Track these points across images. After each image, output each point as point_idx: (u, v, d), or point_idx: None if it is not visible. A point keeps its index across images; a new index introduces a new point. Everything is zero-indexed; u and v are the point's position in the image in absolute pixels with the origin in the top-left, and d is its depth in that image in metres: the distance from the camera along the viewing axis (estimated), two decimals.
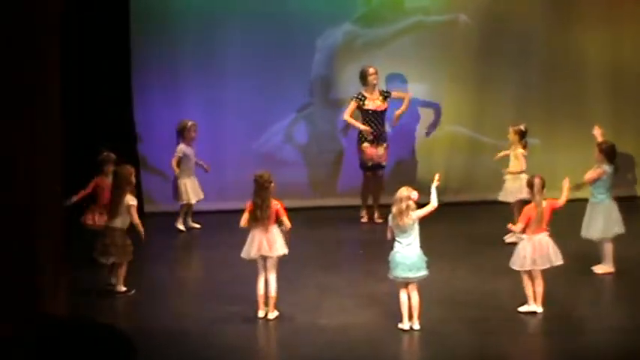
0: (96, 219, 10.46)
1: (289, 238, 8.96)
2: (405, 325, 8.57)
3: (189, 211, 12.34)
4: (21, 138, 7.04)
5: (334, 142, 13.33)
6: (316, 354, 8.26)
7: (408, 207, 8.49)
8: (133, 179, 9.79)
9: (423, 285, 8.67)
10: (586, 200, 10.33)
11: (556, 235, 9.14)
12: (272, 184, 8.89)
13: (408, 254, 8.53)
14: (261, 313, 8.94)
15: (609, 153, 10.19)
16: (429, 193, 8.80)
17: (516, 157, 11.41)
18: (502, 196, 11.54)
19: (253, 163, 11.77)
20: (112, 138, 11.60)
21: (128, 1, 12.69)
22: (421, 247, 8.59)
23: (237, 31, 13.02)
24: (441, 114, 13.48)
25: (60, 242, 7.89)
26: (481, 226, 12.09)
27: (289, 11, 13.12)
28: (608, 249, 10.17)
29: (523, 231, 9.00)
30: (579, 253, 10.27)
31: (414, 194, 8.56)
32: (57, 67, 7.67)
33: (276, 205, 8.91)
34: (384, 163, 12.47)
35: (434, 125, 13.48)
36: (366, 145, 12.39)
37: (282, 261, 8.99)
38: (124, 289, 9.66)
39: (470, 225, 12.17)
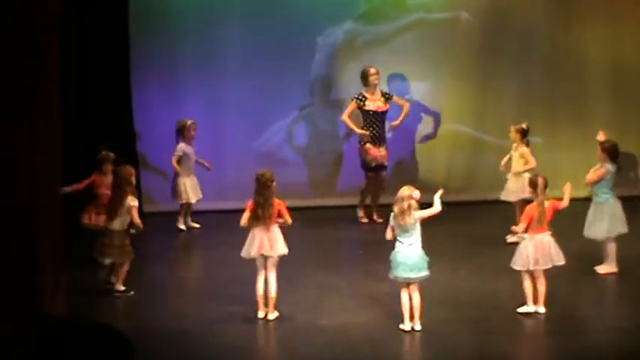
0: (93, 218, 10.50)
1: (285, 231, 9.01)
2: (406, 325, 8.60)
3: (188, 210, 12.39)
4: (21, 138, 7.09)
5: (334, 141, 13.35)
6: (316, 354, 8.30)
7: (410, 206, 8.51)
8: (133, 180, 9.83)
9: (424, 285, 8.69)
10: (587, 200, 10.38)
11: (558, 235, 9.17)
12: (274, 183, 8.94)
13: (409, 254, 8.55)
14: (261, 314, 8.96)
15: (612, 152, 10.23)
16: (430, 193, 8.83)
17: (522, 156, 11.41)
18: (504, 196, 11.54)
19: (253, 163, 11.79)
20: (112, 137, 11.63)
21: (127, 0, 12.74)
22: (422, 247, 8.61)
23: (237, 29, 13.05)
24: (440, 121, 13.50)
25: (59, 242, 7.95)
26: (483, 225, 12.11)
27: (289, 10, 13.13)
28: (612, 249, 10.21)
29: (525, 230, 9.05)
30: (582, 253, 10.31)
31: (416, 193, 8.58)
32: (57, 67, 7.73)
33: (278, 204, 8.96)
34: (386, 164, 12.49)
35: (432, 134, 13.50)
36: (369, 145, 12.41)
37: (282, 261, 9.02)
38: (122, 288, 9.70)
39: (471, 225, 12.20)
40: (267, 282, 8.95)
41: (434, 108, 13.51)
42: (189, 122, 12.20)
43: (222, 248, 11.05)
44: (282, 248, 8.94)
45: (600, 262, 10.25)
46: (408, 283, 8.63)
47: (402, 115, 12.69)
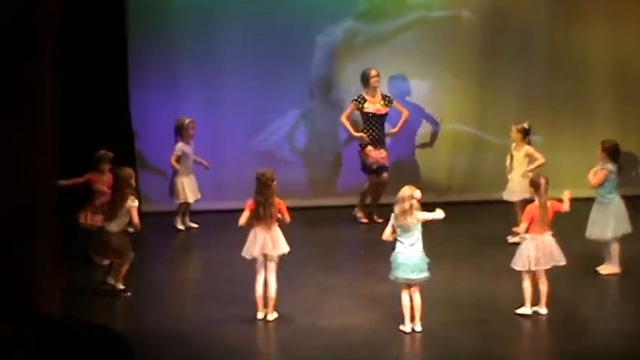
0: (89, 218, 10.51)
1: (285, 231, 9.02)
2: (406, 327, 8.60)
3: (186, 210, 12.40)
4: (19, 137, 7.10)
5: (334, 141, 13.35)
6: (316, 356, 8.29)
7: (411, 206, 8.51)
8: (133, 182, 9.85)
9: (425, 286, 8.69)
10: (588, 200, 10.38)
11: (559, 236, 9.17)
12: (274, 183, 8.94)
13: (410, 255, 8.55)
14: (260, 315, 8.96)
15: (612, 152, 10.23)
16: (431, 193, 8.83)
17: (527, 155, 11.37)
18: (507, 195, 11.55)
19: (252, 162, 11.80)
20: (110, 136, 11.64)
21: None
22: (423, 247, 8.60)
23: (236, 28, 13.03)
24: (440, 127, 13.50)
25: (56, 242, 7.94)
26: (484, 225, 12.13)
27: (289, 8, 13.12)
28: (615, 249, 10.21)
29: (526, 231, 9.06)
30: (583, 254, 10.32)
31: (417, 193, 8.57)
32: (55, 67, 7.73)
33: (279, 203, 8.95)
34: (387, 165, 12.47)
35: (429, 143, 13.51)
36: (369, 148, 12.41)
37: (282, 261, 9.02)
38: (122, 287, 9.70)
39: (472, 225, 12.20)
40: (267, 282, 8.95)
41: (434, 107, 13.50)
42: (187, 121, 12.20)
43: (220, 248, 11.06)
44: (284, 247, 8.95)
45: (602, 262, 10.26)
46: (408, 285, 8.62)
47: (401, 122, 12.69)
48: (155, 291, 10.04)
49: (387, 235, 8.62)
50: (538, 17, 13.49)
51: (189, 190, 12.22)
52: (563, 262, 9.07)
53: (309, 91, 13.37)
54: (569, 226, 9.43)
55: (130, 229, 9.73)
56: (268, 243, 8.90)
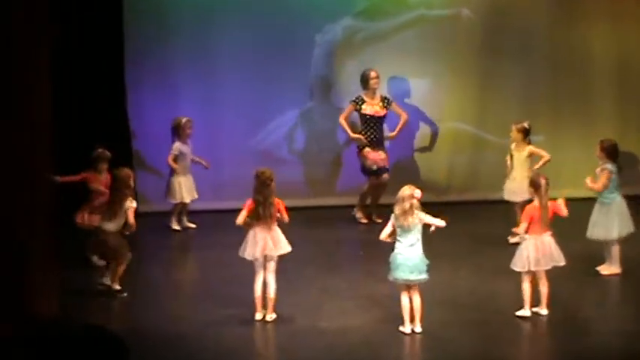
0: (86, 218, 10.50)
1: (284, 231, 9.00)
2: (406, 328, 8.60)
3: (184, 210, 12.38)
4: (14, 137, 7.10)
5: (334, 141, 13.35)
6: (315, 357, 8.29)
7: (412, 206, 8.50)
8: (132, 183, 9.85)
9: (424, 286, 8.68)
10: (588, 200, 10.37)
11: (559, 236, 9.17)
12: (273, 182, 8.92)
13: (409, 255, 8.54)
14: (258, 316, 8.95)
15: (611, 151, 10.23)
16: (431, 192, 8.81)
17: (530, 154, 11.36)
18: (507, 196, 11.51)
19: (251, 162, 11.77)
20: (106, 136, 11.63)
21: None
22: (423, 247, 8.59)
23: (234, 26, 13.03)
24: (439, 131, 13.50)
25: (52, 242, 7.93)
26: (484, 225, 12.13)
27: (287, 6, 13.11)
28: (616, 249, 10.22)
29: (526, 231, 9.05)
30: (584, 254, 10.33)
31: (417, 192, 8.56)
32: (51, 66, 7.73)
33: (277, 203, 8.94)
34: (387, 166, 12.45)
35: (429, 147, 13.50)
36: (367, 150, 12.41)
37: (281, 261, 9.02)
38: (118, 287, 9.69)
39: (472, 224, 12.20)
40: (266, 283, 8.94)
41: (434, 106, 13.50)
42: (184, 120, 12.19)
43: (218, 249, 11.05)
44: (285, 247, 8.95)
45: (602, 262, 10.26)
46: (408, 286, 8.61)
47: (400, 125, 12.68)
48: (152, 292, 10.05)
49: (385, 234, 8.60)
50: (538, 16, 13.49)
51: (185, 190, 12.20)
52: (562, 262, 9.07)
53: (309, 91, 13.36)
54: (569, 226, 9.43)
55: (127, 232, 9.72)
56: (269, 243, 8.89)
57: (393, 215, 8.59)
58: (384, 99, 12.55)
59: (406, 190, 8.57)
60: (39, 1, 7.47)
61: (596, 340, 8.67)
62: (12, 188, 7.17)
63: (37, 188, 7.43)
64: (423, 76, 13.47)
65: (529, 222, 9.01)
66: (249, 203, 8.95)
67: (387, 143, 12.70)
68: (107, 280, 9.74)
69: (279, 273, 9.03)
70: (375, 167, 12.41)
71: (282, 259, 9.02)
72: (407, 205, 8.49)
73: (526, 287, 8.99)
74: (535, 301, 9.04)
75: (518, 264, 9.04)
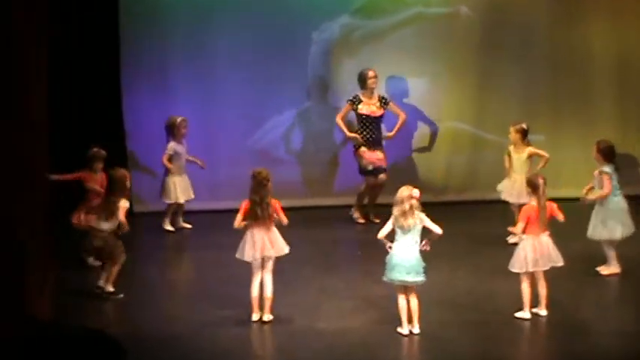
0: (82, 218, 10.49)
1: (281, 232, 9.01)
2: (404, 329, 8.60)
3: (179, 210, 12.38)
4: (8, 138, 7.10)
5: (331, 139, 13.37)
6: (313, 359, 8.29)
7: (411, 206, 8.50)
8: (128, 183, 9.85)
9: (422, 287, 8.68)
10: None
11: (559, 236, 9.19)
12: (270, 183, 8.91)
13: (406, 257, 8.53)
14: (255, 316, 8.95)
15: (607, 153, 10.25)
16: (430, 192, 8.80)
17: (530, 156, 11.37)
18: (507, 197, 11.51)
19: (247, 162, 11.80)
20: (102, 136, 11.64)
21: None
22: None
23: (230, 25, 13.04)
24: (438, 130, 13.51)
25: (47, 243, 7.93)
26: (483, 225, 12.15)
27: (284, 4, 13.13)
28: (613, 249, 10.26)
29: (523, 231, 9.06)
30: (584, 254, 10.37)
31: (416, 192, 8.55)
32: (46, 67, 7.73)
33: (274, 203, 8.94)
34: (384, 167, 12.47)
35: (428, 147, 13.51)
36: (363, 149, 12.43)
37: (278, 262, 9.02)
38: (112, 289, 9.70)
39: (471, 224, 12.23)
40: (263, 283, 8.94)
41: (432, 105, 13.52)
42: (179, 120, 12.19)
43: (214, 249, 11.06)
44: (283, 248, 8.96)
45: (602, 262, 10.28)
46: (404, 287, 8.62)
47: (398, 125, 12.68)
48: (148, 292, 10.05)
49: (383, 234, 8.60)
50: (537, 13, 13.51)
51: (180, 190, 12.20)
52: (561, 262, 9.08)
53: (306, 90, 13.37)
54: (569, 226, 9.43)
55: (119, 232, 9.71)
56: (267, 244, 8.89)
57: (392, 217, 8.57)
58: (381, 99, 12.56)
59: (404, 191, 8.57)
60: (37, 2, 7.48)
61: (596, 341, 8.67)
62: (10, 188, 7.17)
63: (35, 188, 7.44)
64: (421, 75, 13.49)
65: (526, 222, 9.01)
66: (244, 204, 8.96)
67: (384, 143, 12.70)
68: (102, 282, 9.73)
69: (277, 273, 9.04)
70: (370, 167, 12.42)
71: (279, 259, 9.03)
72: (406, 205, 8.49)
73: (525, 288, 9.00)
74: (534, 302, 9.05)
75: (516, 265, 9.05)
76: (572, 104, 13.57)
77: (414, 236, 8.55)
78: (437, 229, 8.54)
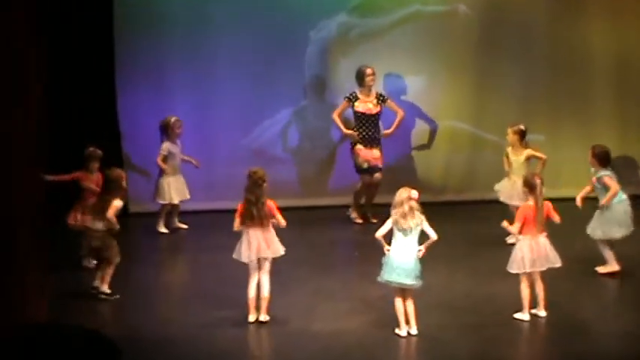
0: (78, 218, 10.51)
1: (278, 232, 9.03)
2: (402, 331, 8.61)
3: (174, 211, 12.37)
4: (2, 138, 7.10)
5: (327, 138, 13.38)
6: None
7: (411, 208, 8.52)
8: (124, 183, 9.86)
9: (420, 288, 8.68)
10: (588, 199, 10.40)
11: (559, 236, 9.22)
12: (265, 183, 8.93)
13: (407, 259, 8.55)
14: (251, 317, 8.96)
15: (602, 158, 10.27)
16: (428, 192, 8.80)
17: (528, 158, 11.37)
18: (506, 198, 11.51)
19: (244, 161, 11.80)
20: (97, 137, 11.63)
21: None
22: (419, 247, 8.63)
23: (226, 24, 13.02)
24: (437, 128, 13.53)
25: (42, 244, 7.94)
26: (481, 226, 12.14)
27: (281, 3, 13.13)
28: (611, 248, 10.29)
29: (520, 231, 9.08)
30: (584, 254, 10.39)
31: (414, 193, 8.57)
32: (42, 67, 7.74)
33: (270, 204, 8.97)
34: (380, 166, 12.48)
35: (427, 145, 13.53)
36: (359, 147, 12.45)
37: (274, 262, 9.04)
38: (108, 290, 9.71)
39: (470, 225, 12.24)
40: (260, 283, 8.96)
41: (430, 104, 13.53)
42: (173, 119, 12.19)
43: (210, 250, 11.08)
44: (279, 249, 8.97)
45: (601, 263, 10.30)
46: (401, 290, 8.64)
47: (396, 123, 12.69)
48: (144, 293, 10.05)
49: (381, 233, 8.61)
50: (536, 12, 13.52)
51: (174, 190, 12.19)
52: (558, 263, 9.10)
53: (303, 89, 13.38)
54: (568, 226, 9.46)
55: (113, 231, 9.72)
56: (262, 245, 8.90)
57: (391, 219, 8.58)
58: (379, 96, 12.57)
59: (403, 193, 8.59)
60: (36, 2, 7.49)
61: (596, 342, 8.70)
62: (5, 188, 7.18)
63: (29, 189, 7.44)
64: (419, 74, 13.49)
65: (523, 222, 9.03)
66: (241, 205, 8.96)
67: (382, 140, 12.71)
68: (97, 283, 9.75)
69: (273, 274, 9.05)
70: (365, 165, 12.43)
71: (276, 260, 9.04)
72: (406, 207, 8.52)
73: (524, 290, 9.02)
74: (532, 303, 9.07)
75: (514, 266, 9.07)
76: (571, 103, 13.59)
77: (415, 238, 8.57)
78: (433, 234, 8.56)
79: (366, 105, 12.49)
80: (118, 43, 12.79)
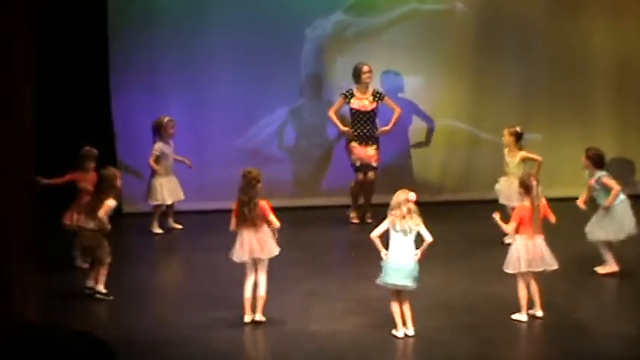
0: (74, 218, 10.49)
1: (277, 237, 9.02)
2: (399, 332, 8.61)
3: (169, 211, 12.37)
4: None
5: (324, 135, 13.38)
6: None
7: (409, 210, 8.53)
8: (118, 182, 9.85)
9: (418, 289, 8.68)
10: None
11: (558, 236, 9.23)
12: (260, 184, 8.92)
13: (406, 261, 8.55)
14: (247, 318, 8.96)
15: (597, 160, 10.28)
16: (425, 192, 8.81)
17: (523, 160, 11.36)
18: (504, 200, 11.50)
19: (239, 161, 11.81)
20: (90, 137, 11.61)
21: None
22: (417, 247, 8.64)
23: (221, 22, 13.04)
24: (435, 126, 13.52)
25: (34, 244, 7.93)
26: (479, 226, 12.09)
27: (277, 1, 13.14)
28: (610, 248, 10.29)
29: (516, 231, 9.08)
30: (582, 254, 10.40)
31: (412, 195, 8.59)
32: (32, 65, 7.72)
33: (262, 204, 8.96)
34: (374, 164, 12.48)
35: (425, 142, 13.53)
36: (354, 144, 12.46)
37: (270, 263, 9.04)
38: (104, 290, 9.70)
39: (467, 225, 12.24)
40: (257, 283, 8.95)
41: (427, 103, 13.53)
42: (165, 119, 12.18)
43: (205, 250, 11.07)
44: (273, 249, 8.95)
45: (600, 263, 10.30)
46: (398, 291, 8.64)
47: (393, 120, 12.69)
48: (138, 294, 10.05)
49: (377, 234, 8.60)
50: (535, 10, 13.51)
51: (167, 191, 12.17)
52: (555, 266, 9.09)
53: (299, 87, 13.38)
54: (568, 226, 9.46)
55: (102, 228, 9.70)
56: (255, 246, 8.89)
57: (389, 220, 8.58)
58: (376, 93, 12.57)
59: (400, 196, 8.60)
60: (24, 2, 7.48)
61: (594, 342, 8.70)
62: None
63: (20, 191, 7.43)
64: (416, 73, 13.49)
65: (519, 222, 9.03)
66: (235, 206, 8.96)
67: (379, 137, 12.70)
68: (91, 283, 9.74)
69: (269, 275, 9.02)
70: (358, 163, 12.44)
71: (271, 260, 9.03)
72: (404, 209, 8.52)
73: (521, 290, 9.02)
74: (529, 304, 9.07)
75: (510, 266, 9.09)
76: (570, 103, 13.58)
77: (412, 240, 8.57)
78: (428, 237, 8.57)
79: (362, 102, 12.50)
80: (112, 42, 12.79)
